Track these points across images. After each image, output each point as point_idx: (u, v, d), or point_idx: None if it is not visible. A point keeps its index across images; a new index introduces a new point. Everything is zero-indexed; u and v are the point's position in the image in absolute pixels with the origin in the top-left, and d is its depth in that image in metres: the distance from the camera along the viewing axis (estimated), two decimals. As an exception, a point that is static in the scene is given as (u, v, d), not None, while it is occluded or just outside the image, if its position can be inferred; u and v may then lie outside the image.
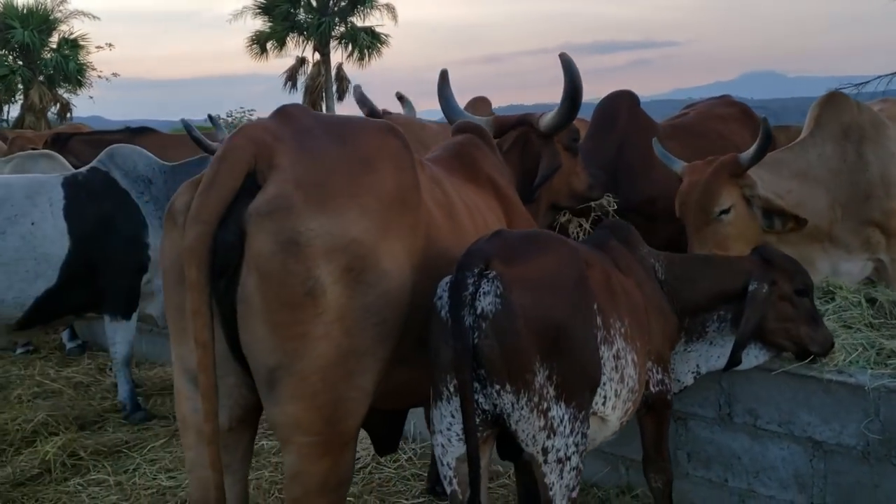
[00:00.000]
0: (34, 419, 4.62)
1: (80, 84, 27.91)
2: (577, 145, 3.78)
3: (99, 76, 28.79)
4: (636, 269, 2.59)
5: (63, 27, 27.97)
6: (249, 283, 1.96)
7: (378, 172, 2.11)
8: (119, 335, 4.83)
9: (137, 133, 7.78)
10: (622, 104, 4.60)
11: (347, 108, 27.16)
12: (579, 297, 2.08)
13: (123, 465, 4.20)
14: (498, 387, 1.99)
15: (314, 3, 26.32)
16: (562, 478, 2.06)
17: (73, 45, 27.78)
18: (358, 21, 26.94)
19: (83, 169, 4.92)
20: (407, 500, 3.62)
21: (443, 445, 2.14)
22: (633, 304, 2.39)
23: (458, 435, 2.08)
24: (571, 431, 2.05)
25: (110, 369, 5.86)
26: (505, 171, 3.18)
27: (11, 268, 4.43)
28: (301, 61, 27.31)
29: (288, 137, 2.04)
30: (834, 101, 3.86)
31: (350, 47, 26.90)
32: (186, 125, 5.07)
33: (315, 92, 26.97)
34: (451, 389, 2.04)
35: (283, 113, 2.17)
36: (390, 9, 26.92)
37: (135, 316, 4.88)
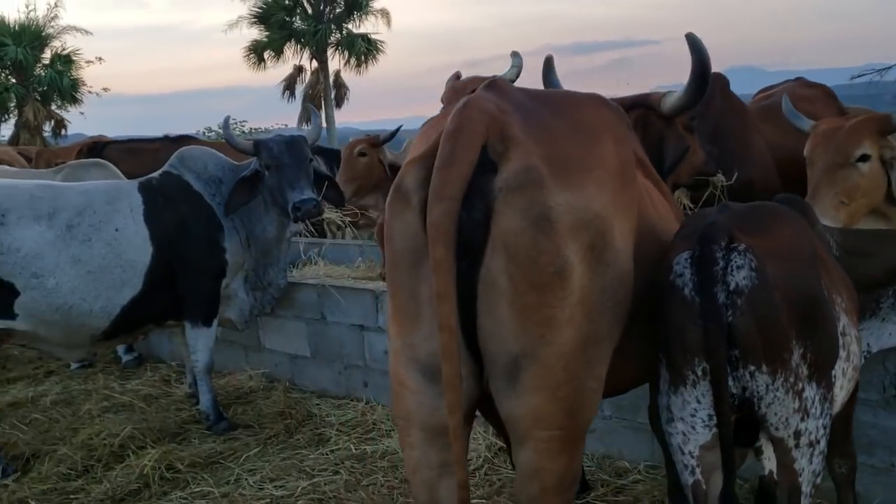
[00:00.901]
0: (120, 433, 4.46)
1: (74, 100, 27.60)
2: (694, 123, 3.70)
3: (89, 91, 28.49)
4: (821, 244, 2.49)
5: (55, 43, 27.68)
6: (495, 262, 1.82)
7: (602, 145, 1.99)
8: (201, 342, 4.69)
9: (176, 141, 7.62)
10: (715, 87, 4.51)
11: (346, 115, 27.05)
12: (817, 269, 1.98)
13: (223, 476, 4.06)
14: (753, 368, 1.88)
15: (310, 11, 26.17)
16: (811, 462, 1.95)
17: (66, 61, 27.47)
18: (353, 27, 26.82)
19: (155, 174, 4.78)
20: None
21: (684, 433, 2.01)
22: (841, 277, 2.29)
23: (703, 421, 1.96)
24: (821, 413, 1.95)
25: (176, 380, 5.75)
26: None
27: (99, 276, 4.29)
28: (299, 69, 27.16)
29: (512, 110, 1.91)
30: None
31: (347, 54, 26.76)
32: (226, 126, 4.92)
33: (314, 99, 26.82)
34: (699, 373, 1.92)
35: (495, 86, 2.04)
36: (385, 14, 26.85)
37: (216, 322, 4.74)
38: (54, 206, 4.30)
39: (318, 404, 4.93)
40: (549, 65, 3.76)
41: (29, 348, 4.79)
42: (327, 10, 26.45)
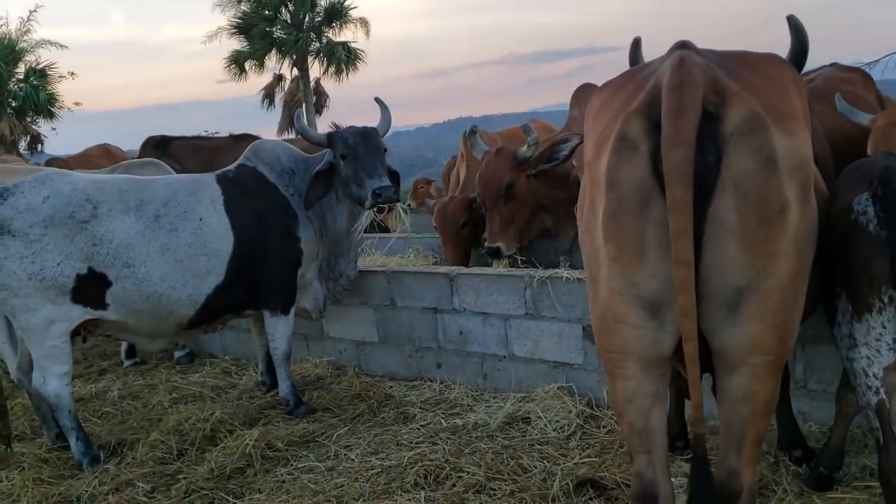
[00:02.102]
0: (210, 418, 4.57)
1: (51, 115, 27.25)
2: None
3: (61, 107, 28.10)
4: None
5: (30, 57, 27.31)
6: (725, 201, 1.99)
7: (792, 97, 2.19)
8: (279, 330, 4.81)
9: (239, 139, 7.75)
10: None
11: (326, 122, 27.11)
12: None
13: (322, 452, 4.19)
14: None
15: (290, 20, 26.23)
16: None
17: (41, 75, 27.12)
18: (333, 36, 26.93)
19: (231, 167, 4.90)
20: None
21: (868, 357, 2.22)
22: None
23: (888, 345, 2.17)
24: None
25: (236, 373, 5.86)
26: None
27: (186, 264, 4.40)
28: (279, 78, 27.18)
29: (716, 67, 2.11)
30: None
31: (327, 62, 26.86)
32: (299, 119, 5.06)
33: (294, 108, 26.87)
34: (885, 300, 2.14)
35: (691, 46, 2.23)
36: (364, 23, 27.00)
37: (293, 311, 4.87)
38: (141, 198, 4.41)
39: (391, 386, 5.07)
40: (637, 45, 3.91)
41: (114, 339, 4.87)
42: (307, 18, 26.54)
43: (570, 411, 4.19)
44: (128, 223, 4.31)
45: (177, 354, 6.32)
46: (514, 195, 5.30)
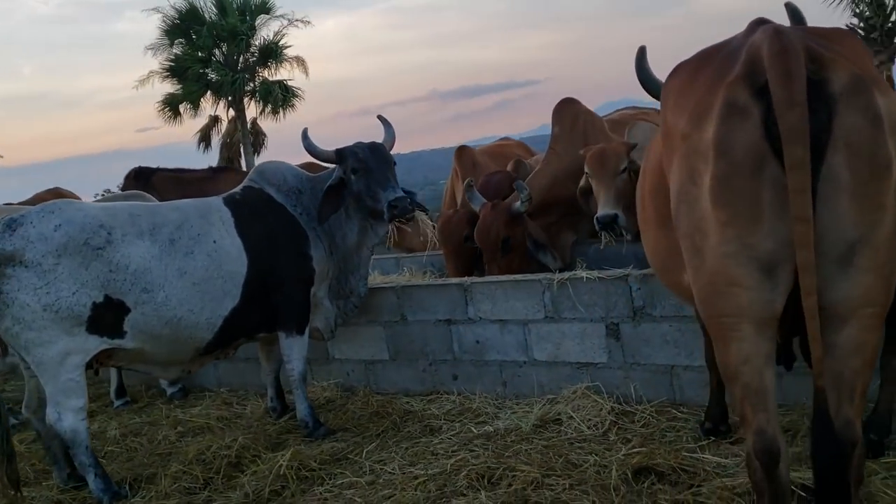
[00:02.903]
0: (233, 445, 4.46)
1: (-25, 166, 26.34)
2: None
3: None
4: None
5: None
6: (837, 158, 2.09)
7: (871, 63, 2.34)
8: (295, 351, 4.76)
9: (219, 171, 7.71)
10: None
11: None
12: None
13: (357, 469, 4.13)
14: None
15: (224, 61, 26.03)
16: None
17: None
18: (269, 76, 26.83)
19: (236, 189, 4.86)
20: (685, 445, 3.76)
21: None
22: None
23: None
24: None
25: (238, 403, 5.74)
26: None
27: (203, 287, 4.34)
28: (215, 120, 26.89)
29: (801, 37, 2.22)
30: None
31: (263, 102, 26.71)
32: (306, 137, 5.02)
33: (232, 148, 26.61)
34: None
35: (768, 20, 2.36)
36: (300, 61, 27.01)
37: (308, 331, 4.82)
38: (153, 222, 4.34)
39: (408, 402, 5.05)
40: (642, 54, 4.00)
41: (125, 369, 4.72)
42: (241, 59, 26.39)
43: (602, 409, 4.25)
44: (143, 247, 4.22)
45: (169, 391, 6.15)
46: (510, 247, 5.44)
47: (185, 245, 4.34)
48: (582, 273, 4.43)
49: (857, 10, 12.99)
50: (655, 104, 7.01)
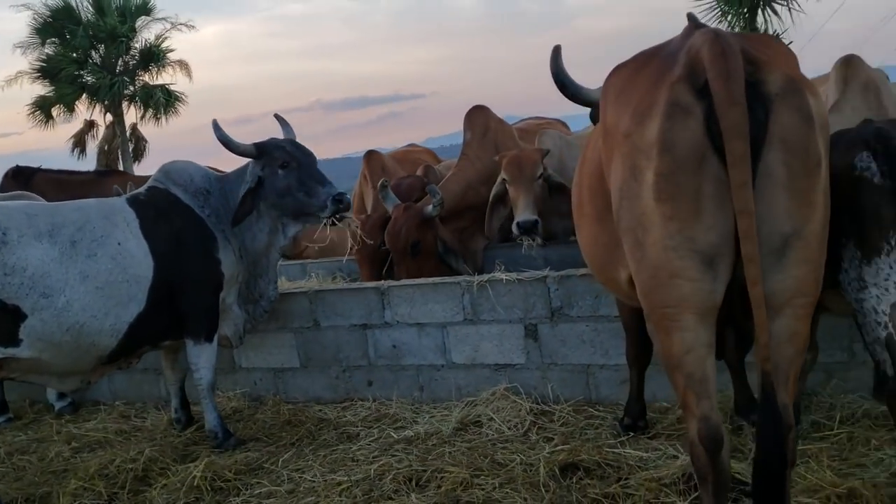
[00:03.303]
0: (139, 458, 4.22)
1: None
2: None
3: None
4: None
5: None
6: (773, 155, 2.19)
7: (798, 66, 2.47)
8: (203, 359, 4.55)
9: (104, 175, 7.26)
10: None
11: (146, 169, 25.74)
12: None
13: (275, 479, 3.99)
14: None
15: (101, 63, 24.80)
16: None
17: None
18: (150, 80, 25.77)
19: (141, 190, 4.63)
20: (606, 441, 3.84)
21: (878, 296, 2.52)
22: None
23: (895, 283, 2.48)
24: None
25: (136, 416, 5.45)
26: None
27: (107, 291, 4.10)
28: (90, 124, 25.54)
29: (736, 41, 2.32)
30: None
31: (143, 107, 25.62)
32: (218, 128, 4.80)
33: (110, 155, 25.36)
34: (893, 243, 2.45)
35: (703, 24, 2.46)
36: (184, 65, 26.09)
37: (216, 338, 4.63)
38: (52, 222, 4.07)
39: (321, 410, 4.93)
40: (557, 54, 4.07)
41: (19, 381, 4.38)
42: (120, 61, 25.22)
43: (521, 409, 4.30)
44: (42, 249, 3.95)
45: (58, 405, 5.76)
46: (419, 251, 5.44)
47: (87, 247, 4.08)
48: (501, 275, 4.48)
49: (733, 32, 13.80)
50: (559, 114, 7.10)
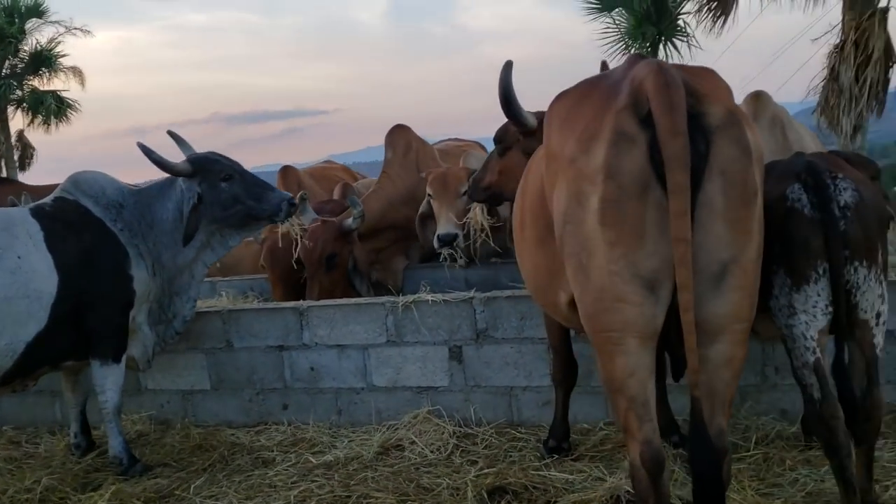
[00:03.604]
0: (36, 487, 3.92)
1: None
2: None
3: None
4: None
5: None
6: (712, 185, 2.24)
7: (734, 99, 2.54)
8: (110, 381, 4.29)
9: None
10: None
11: (32, 177, 24.39)
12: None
13: (187, 507, 3.80)
14: (857, 264, 2.54)
15: (-15, 66, 23.42)
16: (881, 338, 2.65)
17: None
18: (40, 85, 24.49)
19: (46, 199, 4.34)
20: (531, 464, 3.84)
21: (807, 322, 2.60)
22: None
23: (822, 310, 2.57)
24: (885, 300, 2.65)
25: (27, 441, 5.09)
26: None
27: (4, 308, 3.82)
28: (-29, 129, 24.01)
29: (677, 72, 2.37)
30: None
31: (32, 113, 24.31)
32: (143, 147, 4.58)
33: (-6, 162, 23.91)
34: (820, 272, 2.54)
35: (651, 58, 2.50)
36: (77, 72, 24.94)
37: (124, 358, 4.38)
38: (-55, 233, 3.76)
39: (233, 434, 4.73)
40: (508, 68, 4.05)
41: None
42: (6, 64, 23.88)
43: (443, 432, 4.24)
44: (-68, 262, 3.63)
45: (-63, 431, 5.31)
46: (335, 265, 5.35)
47: (-19, 260, 3.80)
48: (427, 296, 4.43)
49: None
50: (477, 137, 7.18)
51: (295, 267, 5.48)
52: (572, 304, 2.75)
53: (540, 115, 4.13)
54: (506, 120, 4.19)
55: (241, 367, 4.86)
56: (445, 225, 5.13)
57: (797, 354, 2.67)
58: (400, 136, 6.11)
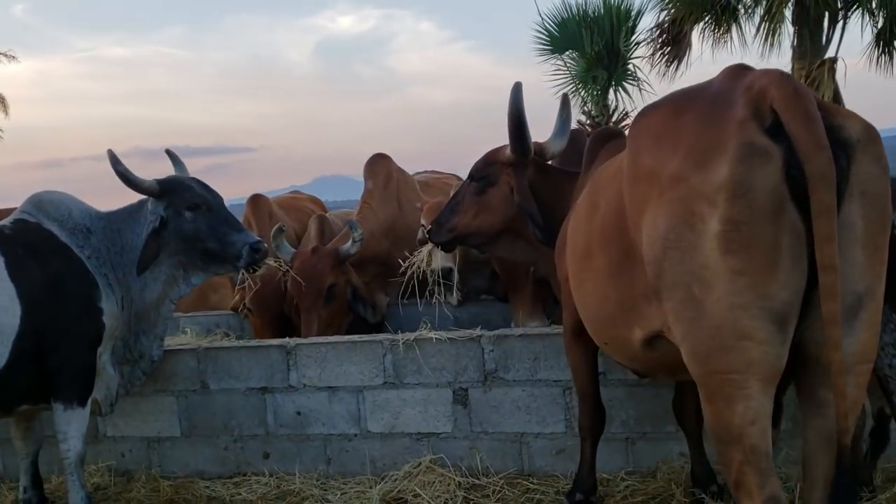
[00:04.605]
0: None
1: None
2: None
3: None
4: None
5: None
6: (853, 207, 2.00)
7: None
8: (74, 427, 3.79)
9: None
10: None
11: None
12: None
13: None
14: None
15: None
16: None
17: None
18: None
19: (4, 222, 3.86)
20: None
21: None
22: None
23: None
24: None
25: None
26: None
27: (-40, 344, 3.31)
28: None
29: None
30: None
31: (-53, 141, 23.01)
32: (116, 159, 4.11)
33: None
34: None
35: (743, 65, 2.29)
36: (0, 100, 23.81)
37: (90, 402, 3.89)
38: None
39: (208, 486, 4.26)
40: (519, 89, 3.76)
41: None
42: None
43: (450, 484, 3.90)
44: None
45: None
46: (334, 296, 4.96)
47: (-64, 289, 3.30)
48: (430, 333, 4.09)
49: (586, 110, 14.50)
50: (453, 170, 6.89)
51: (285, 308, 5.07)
52: (648, 342, 2.49)
53: (537, 146, 3.92)
54: (481, 156, 3.93)
55: (217, 411, 4.40)
56: (441, 258, 4.80)
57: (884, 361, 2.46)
58: (381, 165, 5.80)
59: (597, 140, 3.58)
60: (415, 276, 4.78)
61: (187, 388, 4.44)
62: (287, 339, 4.37)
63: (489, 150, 3.93)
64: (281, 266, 4.87)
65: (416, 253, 4.80)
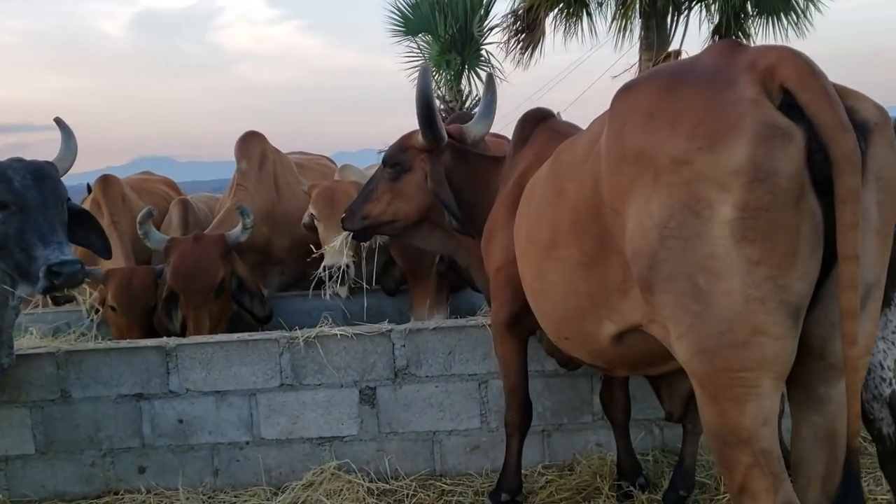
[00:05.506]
0: None
1: None
2: None
3: None
4: None
5: None
6: (868, 194, 1.85)
7: None
8: None
9: None
10: None
11: None
12: None
13: None
14: None
15: None
16: None
17: None
18: None
19: None
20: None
21: (885, 350, 2.34)
22: None
23: None
24: None
25: None
26: None
27: None
28: None
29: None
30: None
31: None
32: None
33: None
34: None
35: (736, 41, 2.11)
36: None
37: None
38: None
39: (72, 511, 3.71)
40: (427, 73, 3.53)
41: None
42: None
43: (358, 490, 3.60)
44: None
45: None
46: (224, 289, 4.45)
47: None
48: (334, 329, 3.75)
49: (439, 94, 14.40)
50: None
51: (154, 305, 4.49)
52: (618, 337, 2.31)
53: (451, 129, 3.67)
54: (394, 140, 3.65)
55: (81, 423, 3.83)
56: (334, 253, 4.42)
57: (870, 386, 2.43)
58: (255, 144, 5.31)
59: (526, 121, 3.38)
60: (330, 268, 4.40)
61: (43, 398, 3.83)
62: (165, 340, 3.87)
63: (404, 133, 3.63)
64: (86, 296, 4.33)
65: (330, 242, 4.41)
